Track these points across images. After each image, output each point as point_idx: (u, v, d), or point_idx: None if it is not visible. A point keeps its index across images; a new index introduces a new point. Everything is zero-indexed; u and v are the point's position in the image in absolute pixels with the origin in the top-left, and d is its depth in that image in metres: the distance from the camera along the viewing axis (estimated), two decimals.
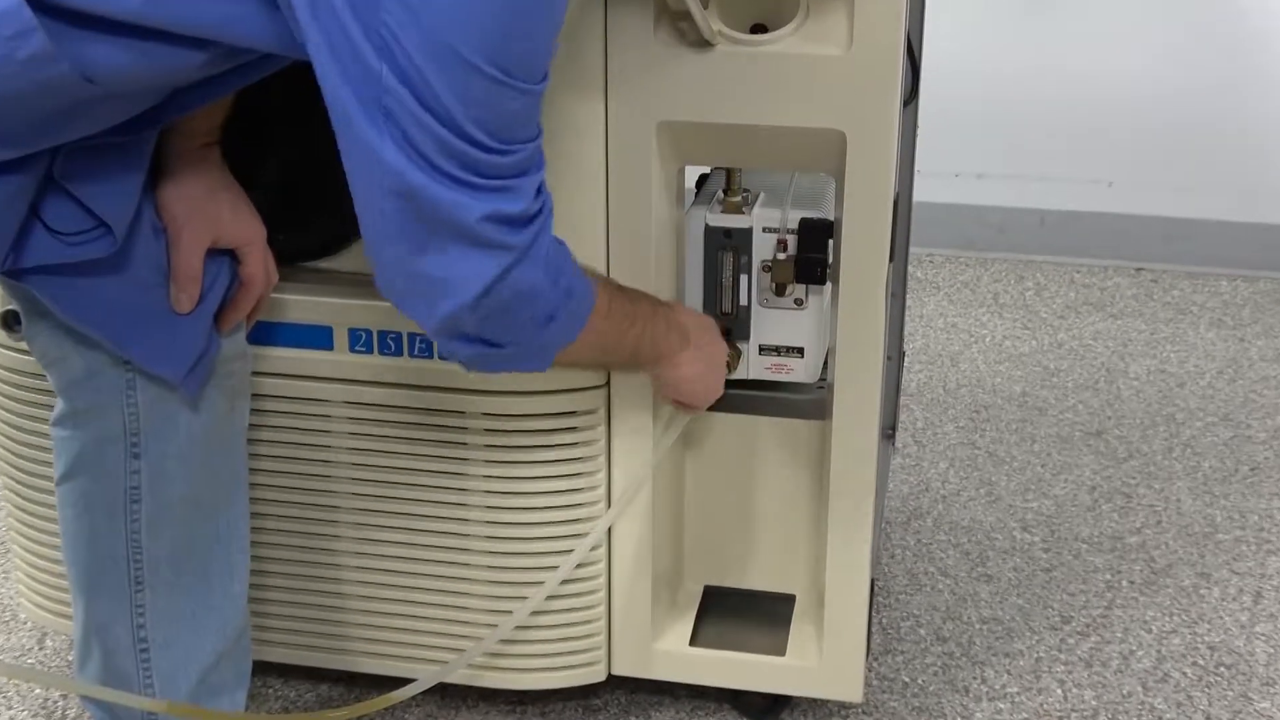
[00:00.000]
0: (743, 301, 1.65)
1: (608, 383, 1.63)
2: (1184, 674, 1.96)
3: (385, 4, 1.11)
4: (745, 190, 1.65)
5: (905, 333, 2.21)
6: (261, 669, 1.79)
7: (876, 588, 1.94)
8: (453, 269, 1.21)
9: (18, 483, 1.75)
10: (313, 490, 1.70)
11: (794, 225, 1.61)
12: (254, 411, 1.56)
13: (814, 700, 1.85)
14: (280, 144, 1.58)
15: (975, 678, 1.95)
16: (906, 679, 1.94)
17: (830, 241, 1.59)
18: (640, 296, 1.48)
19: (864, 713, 1.86)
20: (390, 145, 1.14)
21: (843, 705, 1.85)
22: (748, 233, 1.62)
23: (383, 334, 1.62)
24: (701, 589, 1.81)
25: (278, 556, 1.74)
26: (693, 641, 1.76)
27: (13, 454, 1.73)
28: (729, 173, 1.64)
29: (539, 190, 1.24)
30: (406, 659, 1.76)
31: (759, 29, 1.48)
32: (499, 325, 1.27)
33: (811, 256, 1.61)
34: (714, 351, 1.58)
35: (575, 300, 1.32)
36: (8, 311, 1.45)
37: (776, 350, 1.67)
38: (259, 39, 1.17)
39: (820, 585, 1.72)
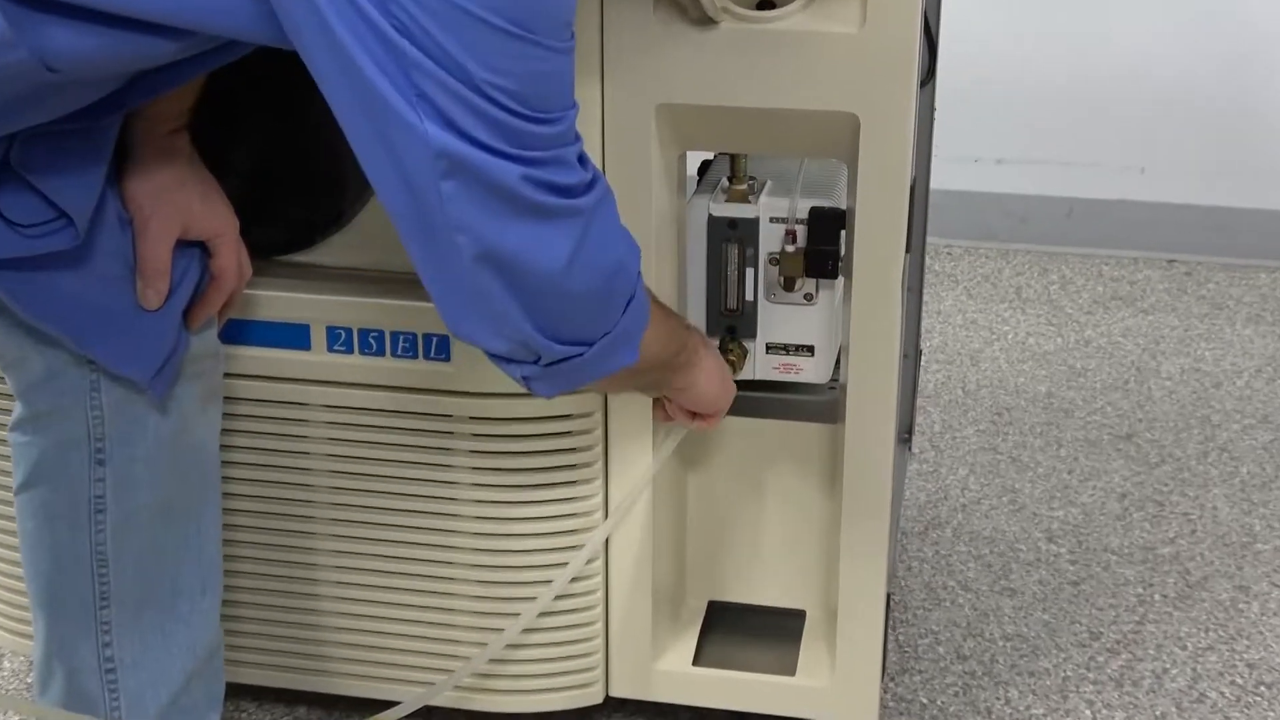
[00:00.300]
0: (748, 297, 1.65)
1: None
2: (1221, 694, 1.97)
3: None
4: (751, 178, 1.65)
5: (922, 330, 2.22)
6: (234, 691, 1.79)
7: (892, 603, 1.95)
8: (529, 241, 1.21)
9: None
10: (289, 499, 1.71)
11: (803, 215, 1.61)
12: (226, 415, 1.56)
13: None
14: (254, 128, 1.59)
15: (998, 698, 1.95)
16: (925, 700, 1.95)
17: (842, 232, 1.60)
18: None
19: None
20: (430, 125, 1.15)
21: None
22: (754, 223, 1.63)
23: (363, 332, 1.63)
24: (705, 605, 1.81)
25: (252, 570, 1.75)
26: (696, 661, 1.76)
27: None
28: (733, 159, 1.65)
29: (584, 161, 1.25)
30: (389, 680, 1.77)
31: (766, 5, 1.49)
32: (593, 305, 1.29)
33: (822, 248, 1.61)
34: (719, 355, 1.60)
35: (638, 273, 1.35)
36: None
37: (785, 349, 1.67)
38: (244, 30, 1.18)
39: (832, 600, 1.73)
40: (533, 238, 1.22)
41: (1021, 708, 1.94)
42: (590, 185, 1.26)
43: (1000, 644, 2.06)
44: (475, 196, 1.18)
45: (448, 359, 1.62)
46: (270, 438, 1.68)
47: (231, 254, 1.45)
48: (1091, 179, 3.35)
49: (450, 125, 1.15)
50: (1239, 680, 1.99)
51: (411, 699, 1.69)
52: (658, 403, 1.61)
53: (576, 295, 1.27)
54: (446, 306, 1.26)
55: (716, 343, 1.67)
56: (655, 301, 1.40)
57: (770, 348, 1.67)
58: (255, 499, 1.71)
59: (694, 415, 1.59)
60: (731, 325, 1.66)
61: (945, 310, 3.08)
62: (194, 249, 1.42)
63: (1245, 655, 2.04)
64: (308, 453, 1.68)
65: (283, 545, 1.73)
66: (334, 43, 1.13)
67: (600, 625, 1.73)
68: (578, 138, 1.25)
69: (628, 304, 1.33)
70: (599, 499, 1.68)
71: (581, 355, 1.31)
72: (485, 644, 1.71)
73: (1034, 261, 3.32)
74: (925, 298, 2.30)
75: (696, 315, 1.66)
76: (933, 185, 2.04)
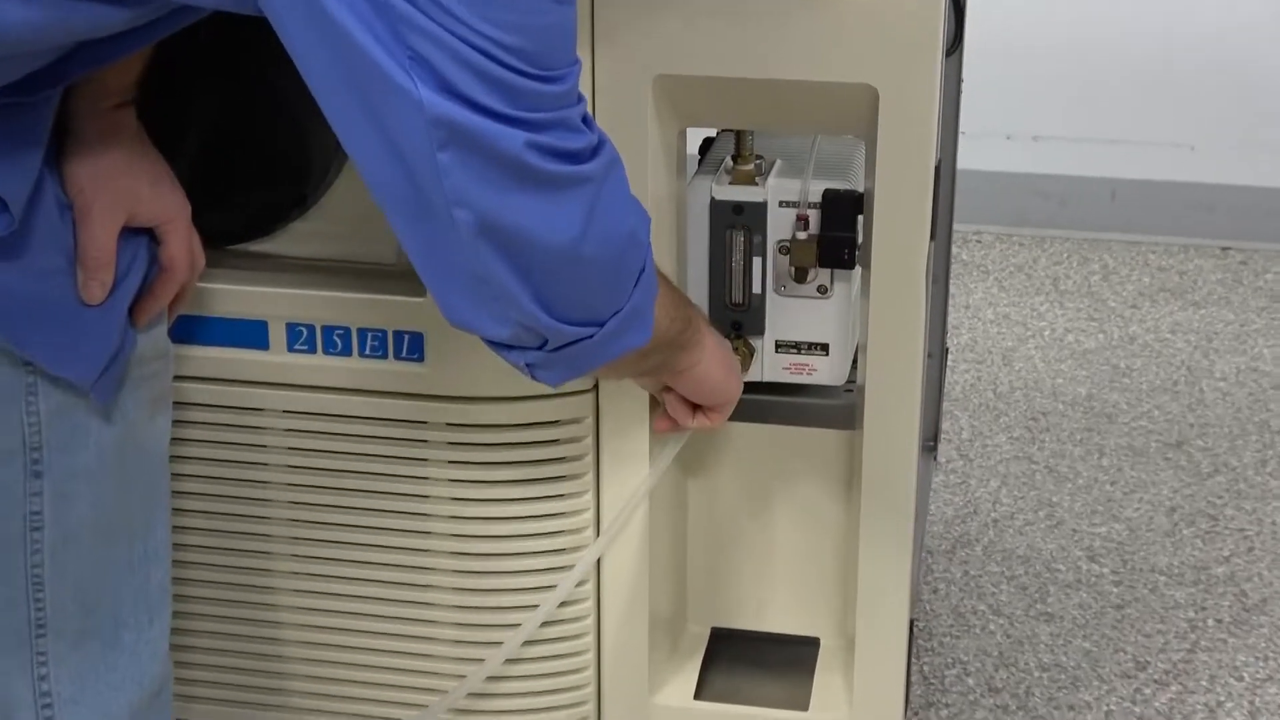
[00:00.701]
0: (756, 289, 1.66)
1: (596, 386, 1.64)
2: None
3: None
4: (758, 157, 1.66)
5: (949, 326, 2.23)
6: None
7: (916, 629, 1.95)
8: (537, 213, 1.22)
9: None
10: (246, 516, 1.71)
11: (816, 198, 1.62)
12: (176, 422, 1.56)
13: None
14: (208, 103, 1.59)
15: None
16: None
17: (859, 217, 1.61)
18: None
19: None
20: (425, 89, 1.16)
21: None
22: (761, 207, 1.63)
23: (327, 330, 1.63)
24: (708, 632, 1.82)
25: (205, 595, 1.75)
26: (698, 694, 1.77)
27: None
28: (739, 136, 1.65)
29: (589, 123, 1.26)
30: (356, 716, 1.77)
31: None
32: (605, 281, 1.30)
33: (837, 235, 1.62)
34: (721, 336, 1.60)
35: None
36: None
37: (796, 347, 1.68)
38: None
39: (849, 627, 1.73)
40: (540, 210, 1.23)
41: None
42: (598, 149, 1.27)
43: (1036, 675, 2.07)
44: (476, 168, 1.19)
45: (421, 359, 1.62)
46: (225, 447, 1.69)
47: (183, 243, 1.45)
48: (1137, 157, 3.36)
49: (447, 89, 1.16)
50: None
51: None
52: (656, 412, 1.62)
53: (588, 271, 1.28)
54: (442, 291, 1.26)
55: None
56: (658, 271, 1.41)
57: (780, 346, 1.68)
58: (208, 515, 1.72)
59: (696, 410, 1.59)
60: (737, 321, 1.67)
61: (974, 304, 3.09)
62: (141, 237, 1.42)
63: None
64: (266, 464, 1.69)
65: (239, 567, 1.74)
66: (310, 0, 1.14)
67: (591, 655, 1.74)
68: (581, 98, 1.25)
69: (639, 277, 1.34)
70: (590, 514, 1.68)
71: (591, 337, 1.32)
72: (464, 676, 1.71)
73: (1073, 249, 3.33)
74: (952, 290, 2.31)
75: None
76: (960, 165, 2.05)
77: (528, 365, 1.33)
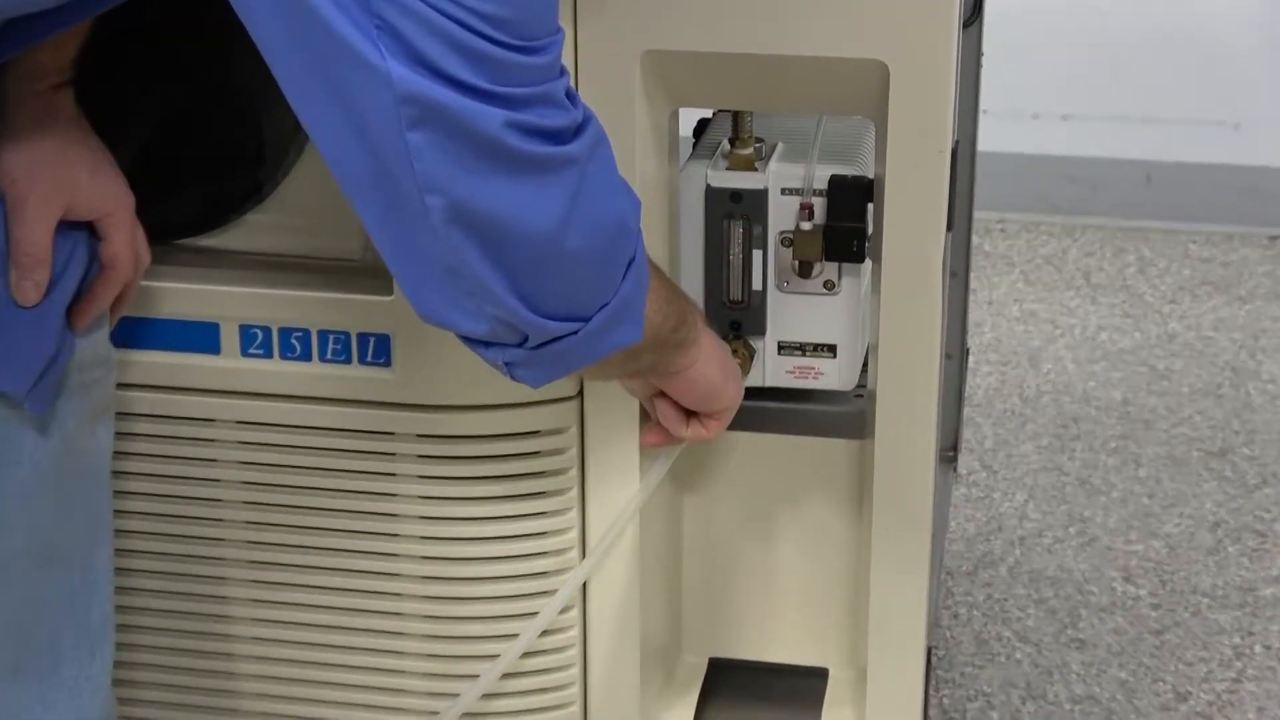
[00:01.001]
0: (756, 286, 1.66)
1: (580, 393, 1.65)
2: None
3: None
4: (758, 140, 1.67)
5: (969, 324, 2.24)
6: None
7: (935, 658, 1.96)
8: (516, 199, 1.23)
9: None
10: (196, 538, 1.71)
11: (822, 185, 1.63)
12: (119, 436, 1.57)
13: None
14: (152, 83, 1.59)
15: None
16: None
17: (869, 206, 1.61)
18: None
19: None
20: (395, 63, 1.16)
21: None
22: (762, 195, 1.64)
23: (285, 332, 1.64)
24: (706, 662, 1.82)
25: (151, 625, 1.75)
26: None
27: None
28: (737, 117, 1.66)
29: (573, 98, 1.27)
30: None
31: None
32: (591, 271, 1.30)
33: (845, 226, 1.62)
34: (717, 335, 1.60)
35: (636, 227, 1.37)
36: None
37: (801, 349, 1.69)
38: None
39: (861, 657, 1.74)
40: (520, 196, 1.23)
41: None
42: (583, 127, 1.27)
43: (1067, 708, 2.07)
44: (450, 149, 1.19)
45: (388, 364, 1.63)
46: (173, 462, 1.69)
47: (125, 237, 1.45)
48: (1176, 138, 3.37)
49: (419, 62, 1.16)
50: None
51: None
52: (646, 424, 1.62)
53: (572, 261, 1.29)
54: (413, 285, 1.27)
55: None
56: (650, 262, 1.41)
57: (783, 348, 1.69)
58: (155, 538, 1.72)
59: (690, 418, 1.59)
60: (735, 321, 1.68)
61: (998, 300, 3.09)
62: (80, 232, 1.43)
63: None
64: (218, 481, 1.69)
65: (189, 594, 1.74)
66: None
67: (577, 689, 1.74)
68: (564, 71, 1.26)
69: (628, 268, 1.35)
70: (574, 534, 1.69)
71: (576, 333, 1.32)
72: (436, 712, 1.72)
73: (1107, 239, 3.33)
74: (973, 285, 2.31)
75: None
76: (980, 147, 2.05)
77: (507, 364, 1.33)
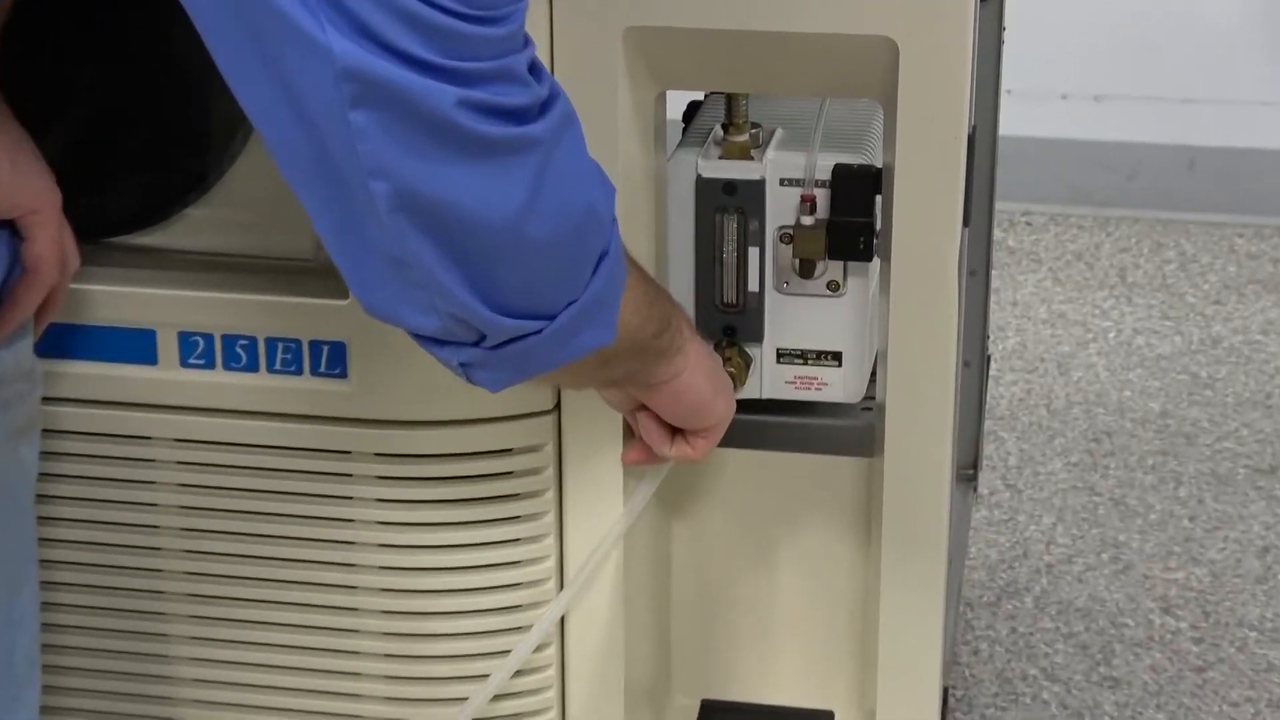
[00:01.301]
0: (752, 286, 1.67)
1: (557, 407, 1.65)
2: None
3: None
4: (754, 125, 1.67)
5: (991, 328, 2.24)
6: None
7: (952, 699, 1.96)
8: (471, 185, 1.23)
9: None
10: (132, 569, 1.71)
11: (825, 175, 1.63)
12: (45, 456, 1.57)
13: None
14: (81, 66, 1.59)
15: None
16: None
17: (877, 198, 1.61)
18: None
19: None
20: (336, 35, 1.16)
21: None
22: (758, 186, 1.64)
23: (229, 340, 1.64)
24: (697, 705, 1.83)
25: (82, 665, 1.75)
26: None
27: None
28: (730, 101, 1.66)
29: (538, 72, 1.27)
30: None
31: None
32: (554, 265, 1.30)
33: (851, 220, 1.62)
34: (708, 346, 1.60)
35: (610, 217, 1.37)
36: None
37: (802, 357, 1.69)
38: None
39: (869, 698, 1.74)
40: (474, 180, 1.23)
41: None
42: (547, 105, 1.27)
43: None
44: (396, 130, 1.19)
45: (344, 375, 1.63)
46: (106, 485, 1.69)
47: (50, 237, 1.45)
48: (1220, 121, 3.37)
49: (364, 33, 1.16)
50: None
51: None
52: (629, 441, 1.62)
53: (533, 252, 1.28)
54: (357, 276, 1.27)
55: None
56: (630, 259, 1.41)
57: (782, 356, 1.69)
58: (86, 569, 1.72)
59: (675, 435, 1.59)
60: (730, 325, 1.68)
61: (1023, 300, 3.10)
62: (1, 231, 1.43)
63: None
64: (156, 505, 1.69)
65: (124, 632, 1.74)
66: None
67: None
68: (528, 42, 1.26)
69: (599, 261, 1.34)
70: (551, 563, 1.69)
71: (539, 333, 1.32)
72: None
73: (1144, 233, 3.34)
74: (995, 284, 2.31)
75: None
76: (1002, 132, 2.05)
77: (462, 365, 1.33)
